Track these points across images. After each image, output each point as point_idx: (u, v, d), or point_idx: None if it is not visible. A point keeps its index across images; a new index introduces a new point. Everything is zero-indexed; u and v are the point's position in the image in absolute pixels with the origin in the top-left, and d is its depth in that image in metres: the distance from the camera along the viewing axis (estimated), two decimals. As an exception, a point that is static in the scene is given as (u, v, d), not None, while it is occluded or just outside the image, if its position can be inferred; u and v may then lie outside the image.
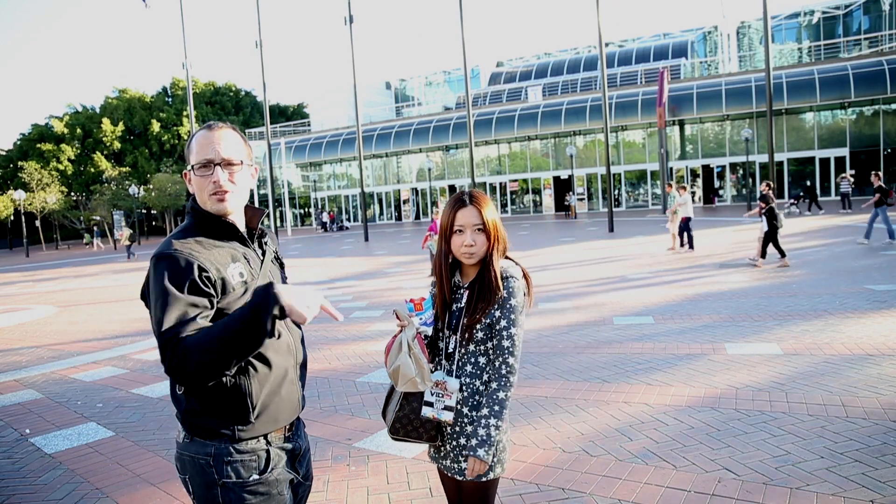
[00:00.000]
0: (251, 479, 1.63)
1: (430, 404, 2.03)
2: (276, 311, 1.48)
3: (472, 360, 2.04)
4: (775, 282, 9.55)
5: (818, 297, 8.09)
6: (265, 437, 1.69)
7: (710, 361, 5.57)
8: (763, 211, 11.60)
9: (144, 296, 1.69)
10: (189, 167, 1.71)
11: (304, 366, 1.87)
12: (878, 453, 3.49)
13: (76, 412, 5.47)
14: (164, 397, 5.71)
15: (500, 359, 1.99)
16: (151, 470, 4.04)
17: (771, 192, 12.02)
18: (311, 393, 5.50)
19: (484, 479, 2.02)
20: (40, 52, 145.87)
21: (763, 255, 11.36)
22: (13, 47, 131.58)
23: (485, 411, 1.97)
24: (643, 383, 5.09)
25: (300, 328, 1.86)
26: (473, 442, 1.95)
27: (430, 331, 2.13)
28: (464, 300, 2.05)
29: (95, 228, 48.46)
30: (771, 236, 11.32)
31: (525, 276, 2.09)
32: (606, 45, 38.63)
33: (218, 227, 1.71)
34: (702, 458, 3.63)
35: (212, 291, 1.60)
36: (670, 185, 15.54)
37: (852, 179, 25.28)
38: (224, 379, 1.60)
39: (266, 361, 1.68)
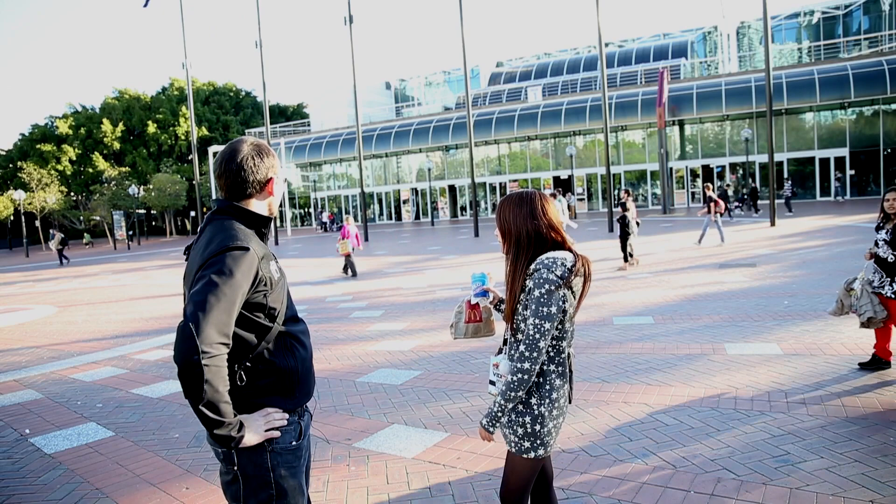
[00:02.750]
0: (292, 444, 1.93)
1: (493, 383, 2.35)
2: (234, 444, 1.79)
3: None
4: (775, 282, 9.55)
5: (818, 297, 8.09)
6: (299, 410, 1.99)
7: (710, 361, 5.57)
8: (617, 218, 12.97)
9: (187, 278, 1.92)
10: (274, 178, 2.00)
11: None
12: (878, 453, 3.49)
13: (76, 412, 5.47)
14: (164, 397, 5.71)
15: (518, 344, 2.19)
16: (151, 470, 4.04)
17: (630, 199, 13.45)
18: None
19: (524, 455, 2.22)
20: (40, 52, 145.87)
21: (627, 257, 12.60)
22: (13, 47, 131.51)
23: (500, 388, 2.22)
24: (643, 383, 5.08)
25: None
26: (484, 412, 2.28)
27: (479, 300, 2.61)
28: None
29: (51, 231, 43.91)
30: (622, 241, 12.69)
31: (577, 261, 2.19)
32: (606, 45, 38.65)
33: (261, 225, 1.98)
34: (702, 458, 3.63)
35: (263, 288, 1.86)
36: (552, 195, 16.97)
37: (790, 184, 27.81)
38: (278, 363, 1.91)
39: (303, 344, 2.00)
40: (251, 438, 1.82)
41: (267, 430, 1.85)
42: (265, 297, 1.86)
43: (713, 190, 16.62)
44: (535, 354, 2.10)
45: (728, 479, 3.34)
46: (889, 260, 4.91)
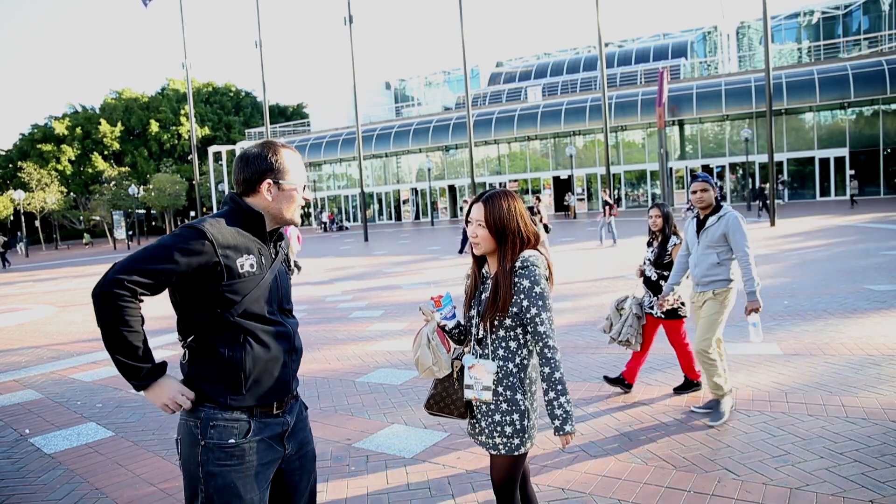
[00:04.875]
0: (229, 442, 1.85)
1: (470, 387, 2.27)
2: (138, 388, 1.83)
3: (504, 344, 2.24)
4: (775, 282, 9.55)
5: (818, 297, 8.09)
6: (250, 409, 1.89)
7: (710, 361, 5.56)
8: None
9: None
10: (284, 182, 1.96)
11: (297, 352, 2.05)
12: (878, 453, 3.49)
13: (76, 412, 5.47)
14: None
15: (542, 344, 2.18)
16: (151, 470, 4.04)
17: (540, 204, 14.40)
18: (311, 393, 5.51)
19: (515, 452, 2.22)
20: (40, 52, 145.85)
21: None
22: (13, 47, 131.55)
23: (552, 395, 2.17)
24: (643, 383, 5.09)
25: (295, 319, 2.09)
26: (557, 423, 2.17)
27: (451, 323, 2.39)
28: (489, 291, 2.26)
29: None
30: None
31: (548, 264, 2.29)
32: (606, 45, 38.63)
33: (250, 221, 1.94)
34: (702, 458, 3.63)
35: (217, 274, 1.83)
36: (465, 200, 18.14)
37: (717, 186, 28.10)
38: (223, 352, 1.85)
39: (263, 343, 1.90)
40: (151, 395, 1.82)
41: (167, 401, 1.82)
42: (220, 285, 1.83)
43: (609, 195, 18.98)
44: (557, 345, 2.20)
45: (728, 479, 3.34)
46: (653, 278, 4.78)
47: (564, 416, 2.16)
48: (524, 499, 2.45)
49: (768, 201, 24.69)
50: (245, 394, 1.87)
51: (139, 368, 1.79)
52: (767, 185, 25.77)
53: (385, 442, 4.25)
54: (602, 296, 9.43)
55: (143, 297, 1.80)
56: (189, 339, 1.88)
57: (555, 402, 2.16)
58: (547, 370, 2.17)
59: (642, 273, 4.91)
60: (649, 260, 4.84)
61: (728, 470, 3.45)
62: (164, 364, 1.86)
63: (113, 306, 1.74)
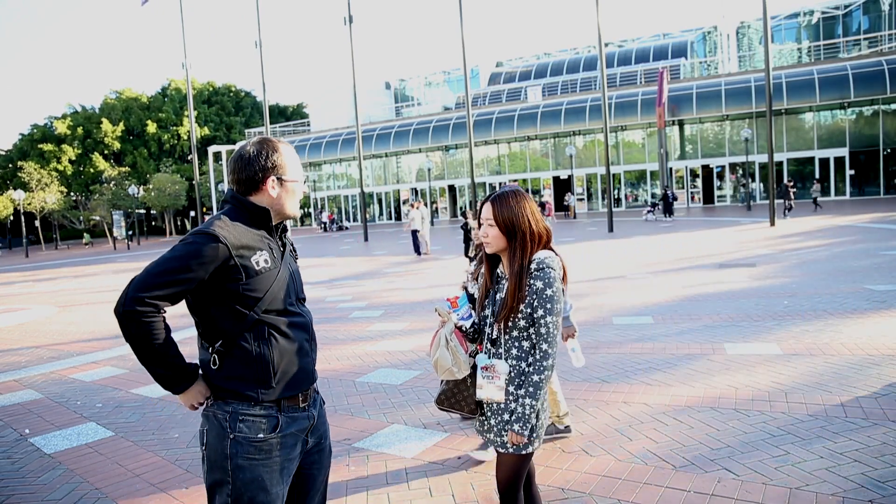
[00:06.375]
0: (258, 437, 1.89)
1: (483, 386, 2.28)
2: (174, 393, 1.91)
3: (517, 344, 2.25)
4: (775, 282, 9.55)
5: (818, 297, 8.09)
6: (279, 403, 1.94)
7: (710, 362, 5.57)
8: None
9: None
10: (286, 178, 2.01)
11: (315, 341, 2.11)
12: (878, 453, 3.49)
13: (76, 412, 5.47)
14: (164, 397, 5.71)
15: (536, 345, 2.19)
16: (151, 470, 4.04)
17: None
18: (310, 393, 5.50)
19: (523, 451, 2.22)
20: (40, 52, 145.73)
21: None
22: (13, 47, 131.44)
23: (521, 391, 2.19)
24: (643, 383, 5.08)
25: (308, 309, 2.14)
26: (512, 418, 2.19)
27: (468, 324, 2.38)
28: (503, 291, 2.27)
29: None
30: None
31: (562, 265, 2.30)
32: (606, 45, 38.63)
33: (257, 217, 1.97)
34: (701, 458, 3.63)
35: (236, 276, 1.87)
36: (412, 205, 19.33)
37: (664, 192, 29.33)
38: (251, 349, 1.89)
39: (286, 335, 1.95)
40: (183, 398, 1.92)
41: (194, 402, 1.93)
42: (239, 285, 1.86)
43: (548, 197, 19.94)
44: (554, 350, 2.19)
45: (728, 479, 3.34)
46: (476, 295, 4.24)
47: (521, 414, 2.17)
48: (528, 499, 2.46)
49: (792, 200, 24.50)
50: (275, 387, 1.92)
51: (174, 378, 1.87)
52: (792, 183, 25.73)
53: (385, 442, 4.25)
54: (601, 296, 9.43)
55: (165, 309, 1.85)
56: (217, 345, 1.91)
57: (519, 399, 2.18)
58: (529, 369, 2.20)
59: (465, 289, 4.18)
60: (471, 273, 4.15)
61: (728, 470, 3.45)
62: (196, 368, 1.92)
63: (138, 323, 1.79)
